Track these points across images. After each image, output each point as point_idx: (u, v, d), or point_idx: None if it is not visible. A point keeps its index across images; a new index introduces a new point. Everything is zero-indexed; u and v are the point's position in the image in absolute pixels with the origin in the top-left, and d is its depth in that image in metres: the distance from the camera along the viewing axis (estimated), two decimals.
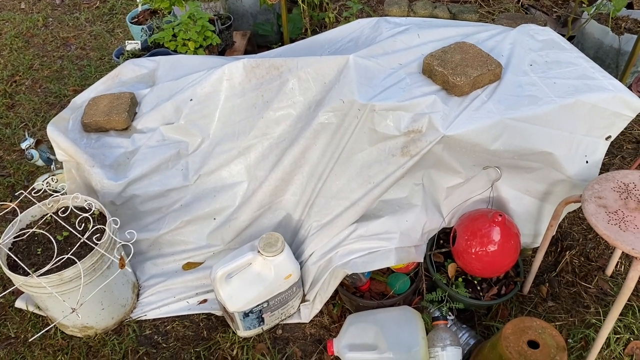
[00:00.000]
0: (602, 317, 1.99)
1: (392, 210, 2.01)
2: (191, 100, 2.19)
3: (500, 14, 3.56)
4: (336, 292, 2.02)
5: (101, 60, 3.67)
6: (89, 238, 1.84)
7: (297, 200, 2.11)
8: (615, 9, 2.59)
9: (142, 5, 3.30)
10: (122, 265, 1.91)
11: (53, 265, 1.75)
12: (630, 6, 3.25)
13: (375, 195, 1.92)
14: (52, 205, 1.99)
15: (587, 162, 1.88)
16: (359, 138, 1.91)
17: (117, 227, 1.90)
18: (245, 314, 1.89)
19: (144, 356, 1.97)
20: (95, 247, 1.78)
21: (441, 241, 2.13)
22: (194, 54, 2.77)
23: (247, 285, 1.86)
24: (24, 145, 2.27)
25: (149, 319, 2.08)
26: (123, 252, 1.99)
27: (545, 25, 2.62)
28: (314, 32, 3.38)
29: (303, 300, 2.07)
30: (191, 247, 2.21)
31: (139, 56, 2.82)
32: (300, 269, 1.98)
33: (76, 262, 1.73)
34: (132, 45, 2.95)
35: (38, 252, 1.84)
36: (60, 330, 2.03)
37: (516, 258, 1.94)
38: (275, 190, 2.10)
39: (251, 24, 3.48)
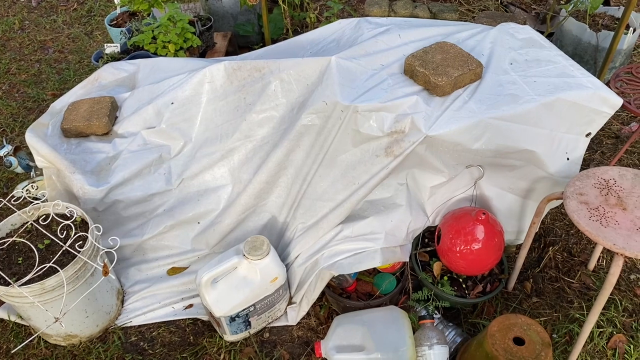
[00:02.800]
0: (585, 312, 2.02)
1: (377, 210, 2.01)
2: (172, 103, 2.17)
3: (480, 12, 3.58)
4: (323, 293, 2.02)
5: (80, 64, 3.62)
6: (71, 246, 1.81)
7: (282, 203, 2.10)
8: (592, 6, 2.62)
9: (120, 7, 3.26)
10: (105, 273, 1.89)
11: (35, 274, 1.72)
12: (606, 3, 3.29)
13: (360, 196, 1.92)
14: (32, 213, 1.95)
15: (568, 159, 1.90)
16: (343, 139, 1.91)
17: (100, 233, 1.87)
18: (232, 319, 1.88)
19: None
20: (78, 255, 1.75)
21: (426, 240, 2.14)
22: (174, 57, 2.74)
23: (233, 289, 1.85)
24: (2, 153, 2.23)
25: (134, 326, 2.06)
26: (106, 259, 1.96)
27: (524, 23, 2.65)
28: (295, 32, 3.37)
29: (290, 303, 2.07)
30: (175, 252, 2.19)
31: (119, 59, 2.79)
32: (287, 271, 1.98)
33: (58, 271, 1.70)
34: (111, 48, 2.92)
35: (19, 262, 1.81)
36: (43, 339, 2.00)
37: (500, 255, 1.96)
38: (260, 193, 2.09)
39: (232, 24, 3.46)
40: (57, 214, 1.95)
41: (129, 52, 2.88)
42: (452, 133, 1.76)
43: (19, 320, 2.04)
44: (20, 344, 1.98)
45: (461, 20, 2.91)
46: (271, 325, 2.04)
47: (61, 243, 1.83)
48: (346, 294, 2.02)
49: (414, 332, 1.82)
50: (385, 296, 1.98)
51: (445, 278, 2.02)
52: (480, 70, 1.91)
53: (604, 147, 2.73)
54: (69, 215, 1.94)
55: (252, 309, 1.89)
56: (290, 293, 2.06)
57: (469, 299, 1.97)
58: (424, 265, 2.07)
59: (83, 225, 1.92)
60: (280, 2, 3.21)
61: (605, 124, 1.92)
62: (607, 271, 1.54)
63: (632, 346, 1.91)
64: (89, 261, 1.79)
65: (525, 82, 1.87)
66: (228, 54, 3.11)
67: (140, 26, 2.97)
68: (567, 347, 1.92)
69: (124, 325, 2.06)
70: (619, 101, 1.86)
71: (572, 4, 2.92)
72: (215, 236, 2.15)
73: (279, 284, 1.91)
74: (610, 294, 2.02)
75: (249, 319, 1.92)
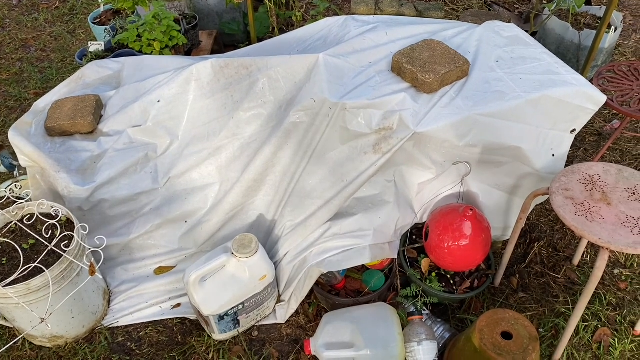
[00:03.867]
0: (571, 306, 2.04)
1: (365, 207, 2.01)
2: (159, 101, 2.15)
3: (465, 10, 3.61)
4: (311, 291, 2.02)
5: (63, 62, 3.57)
6: (56, 245, 1.79)
7: (270, 201, 2.10)
8: (575, 4, 2.66)
9: (104, 5, 3.22)
10: (92, 272, 1.87)
11: (19, 274, 1.69)
12: (588, 2, 3.34)
13: (349, 193, 1.92)
14: (16, 213, 1.92)
15: (553, 155, 1.92)
16: (331, 137, 1.92)
17: (86, 233, 1.85)
18: (220, 317, 1.87)
19: None
20: (64, 255, 1.73)
21: (414, 237, 2.15)
22: (159, 55, 2.72)
23: (221, 288, 1.84)
24: None
25: (121, 326, 2.04)
26: (93, 259, 1.94)
27: (509, 22, 2.67)
28: (281, 31, 3.36)
29: (278, 301, 2.06)
30: (163, 251, 2.17)
31: (103, 57, 2.76)
32: (275, 269, 1.98)
33: (44, 271, 1.68)
34: (95, 47, 2.88)
35: (3, 262, 1.78)
36: (28, 341, 1.97)
37: (487, 251, 1.98)
38: (248, 191, 2.08)
39: (217, 23, 3.44)
40: (41, 214, 1.92)
41: (114, 50, 2.85)
42: (440, 130, 1.77)
43: (3, 322, 2.01)
44: (4, 346, 1.95)
45: (447, 19, 2.93)
46: (260, 323, 2.03)
47: (46, 243, 1.80)
48: (335, 291, 2.02)
49: (402, 329, 1.83)
50: (374, 293, 1.98)
51: (434, 274, 2.03)
52: (467, 68, 1.93)
53: (587, 144, 2.77)
54: (54, 215, 1.91)
55: (240, 307, 1.88)
56: (279, 291, 2.06)
57: (456, 294, 1.99)
58: (412, 261, 2.08)
59: (68, 224, 1.90)
60: (266, 1, 3.20)
61: (588, 122, 1.95)
62: (592, 266, 1.57)
63: (616, 339, 1.94)
64: (75, 261, 1.77)
65: (511, 79, 1.89)
66: (214, 52, 3.09)
67: (124, 24, 2.95)
68: (553, 341, 1.94)
69: (111, 326, 2.04)
70: (602, 98, 1.89)
71: (555, 3, 2.96)
72: (202, 235, 2.13)
73: (268, 282, 1.90)
74: (595, 289, 2.05)
75: (238, 318, 1.92)
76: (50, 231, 1.85)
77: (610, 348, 1.92)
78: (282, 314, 2.03)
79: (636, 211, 1.60)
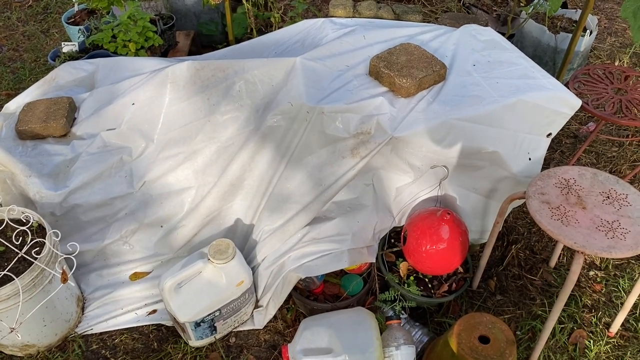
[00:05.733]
0: (547, 308, 2.06)
1: (344, 211, 2.01)
2: (133, 104, 2.11)
3: (444, 13, 3.63)
4: (290, 296, 2.00)
5: (36, 63, 3.50)
6: (27, 252, 1.74)
7: (248, 205, 2.07)
8: (551, 8, 2.68)
9: (78, 4, 3.16)
10: (64, 280, 1.83)
11: None
12: (564, 5, 3.38)
13: (327, 197, 1.91)
14: None
15: (530, 159, 1.94)
16: (309, 141, 1.90)
17: (58, 239, 1.81)
18: (197, 324, 1.84)
19: None
20: (35, 262, 1.69)
21: (392, 240, 2.15)
22: (135, 56, 2.68)
23: (197, 294, 1.81)
24: None
25: (95, 333, 2.00)
26: (65, 266, 1.90)
27: (486, 24, 2.69)
28: (260, 32, 3.34)
29: (256, 306, 2.04)
30: (138, 257, 2.14)
31: (77, 58, 2.71)
32: (253, 274, 1.96)
33: (14, 279, 1.63)
34: (69, 47, 2.83)
35: None
36: None
37: (465, 254, 1.98)
38: (225, 195, 2.06)
39: (195, 23, 3.40)
40: (11, 220, 1.87)
41: (88, 51, 2.79)
42: (417, 134, 1.77)
43: None
44: None
45: (425, 22, 2.94)
46: (237, 329, 2.01)
47: (16, 250, 1.76)
48: (313, 296, 2.01)
49: (381, 333, 1.83)
50: (352, 297, 1.98)
51: (412, 278, 2.03)
52: (444, 72, 1.93)
53: (563, 147, 2.80)
54: (24, 221, 1.86)
55: (217, 313, 1.86)
56: (256, 296, 2.04)
57: (435, 298, 1.99)
58: (390, 265, 2.08)
59: (40, 230, 1.85)
60: (244, 2, 3.18)
61: (563, 125, 1.97)
62: (568, 268, 1.58)
63: (592, 341, 1.96)
64: (47, 268, 1.72)
65: (487, 84, 1.90)
66: (191, 53, 3.06)
67: (99, 24, 2.89)
68: (530, 344, 1.96)
69: (85, 333, 2.00)
70: (578, 102, 1.91)
71: (532, 6, 2.99)
72: (179, 240, 2.10)
73: (245, 287, 1.88)
74: (571, 291, 2.07)
75: (215, 324, 1.89)
76: (21, 238, 1.80)
77: (586, 350, 1.95)
78: (260, 320, 2.01)
79: (610, 215, 1.62)
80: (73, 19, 3.19)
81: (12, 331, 1.68)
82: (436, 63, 1.92)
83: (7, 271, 1.68)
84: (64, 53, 2.81)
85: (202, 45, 3.38)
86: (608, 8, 4.01)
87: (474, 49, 2.08)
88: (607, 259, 2.24)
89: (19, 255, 1.74)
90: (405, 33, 2.18)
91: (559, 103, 1.89)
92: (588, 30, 2.92)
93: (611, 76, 2.44)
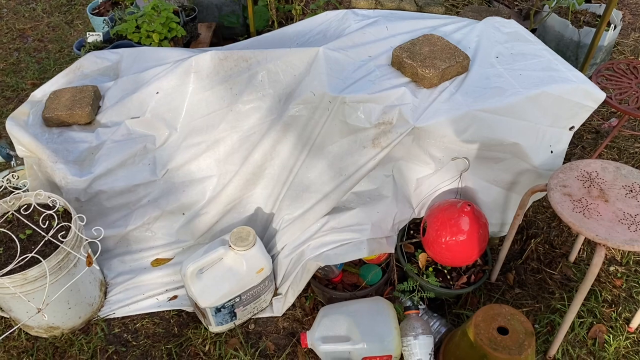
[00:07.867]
0: (566, 303, 2.05)
1: (363, 202, 2.01)
2: (157, 93, 2.14)
3: (465, 6, 3.61)
4: (308, 284, 2.02)
5: (60, 53, 3.55)
6: (53, 236, 1.78)
7: (268, 194, 2.09)
8: (575, 2, 2.66)
9: None
10: (89, 263, 1.87)
11: (16, 264, 1.69)
12: (588, 0, 3.34)
13: (347, 187, 1.92)
14: (13, 203, 1.92)
15: (551, 152, 1.93)
16: (330, 130, 1.91)
17: (83, 224, 1.85)
18: (217, 310, 1.87)
19: (113, 355, 1.93)
20: (61, 245, 1.73)
21: (411, 231, 2.15)
22: (158, 46, 2.71)
23: (218, 280, 1.84)
24: None
25: (117, 317, 2.04)
26: (90, 250, 1.93)
27: (509, 18, 2.66)
28: (281, 25, 3.35)
29: (275, 294, 2.06)
30: (160, 243, 2.17)
31: (101, 48, 2.74)
32: (272, 262, 1.98)
33: (41, 261, 1.67)
34: (93, 37, 2.87)
35: (0, 252, 1.78)
36: (24, 331, 1.97)
37: (484, 247, 1.98)
38: (246, 184, 2.08)
39: (216, 15, 3.42)
40: (39, 204, 1.91)
41: (112, 41, 2.83)
42: (439, 125, 1.77)
43: None
44: (0, 336, 1.95)
45: (447, 14, 2.93)
46: (257, 316, 2.03)
47: (43, 233, 1.80)
48: (332, 285, 2.03)
49: (399, 323, 1.84)
50: (371, 287, 1.99)
51: (430, 269, 2.04)
52: (467, 63, 1.93)
53: (584, 142, 2.77)
54: (51, 205, 1.91)
55: (237, 299, 1.88)
56: (275, 284, 2.06)
57: (453, 289, 1.99)
58: (409, 256, 2.09)
59: (66, 215, 1.89)
60: None
61: (585, 119, 1.95)
62: (588, 263, 1.57)
63: (611, 336, 1.95)
64: (72, 251, 1.76)
65: (511, 76, 1.89)
66: (212, 45, 3.08)
67: (123, 15, 2.93)
68: (548, 337, 1.95)
69: (107, 317, 2.03)
70: (602, 95, 1.89)
71: (555, 0, 2.96)
72: (200, 227, 2.13)
73: (265, 275, 1.90)
74: (591, 285, 2.06)
75: (235, 310, 1.92)
76: (48, 222, 1.85)
77: (605, 344, 1.93)
78: (279, 307, 2.03)
79: (633, 208, 1.60)
80: (97, 10, 3.24)
81: (39, 312, 1.72)
82: (459, 54, 1.92)
83: (34, 253, 1.71)
84: (88, 43, 2.85)
85: (223, 37, 3.40)
86: (633, 3, 3.96)
87: (497, 41, 2.07)
88: (627, 254, 2.22)
89: (46, 239, 1.78)
90: (428, 24, 2.18)
91: (583, 96, 1.87)
92: (612, 25, 2.88)
93: (635, 71, 2.41)
